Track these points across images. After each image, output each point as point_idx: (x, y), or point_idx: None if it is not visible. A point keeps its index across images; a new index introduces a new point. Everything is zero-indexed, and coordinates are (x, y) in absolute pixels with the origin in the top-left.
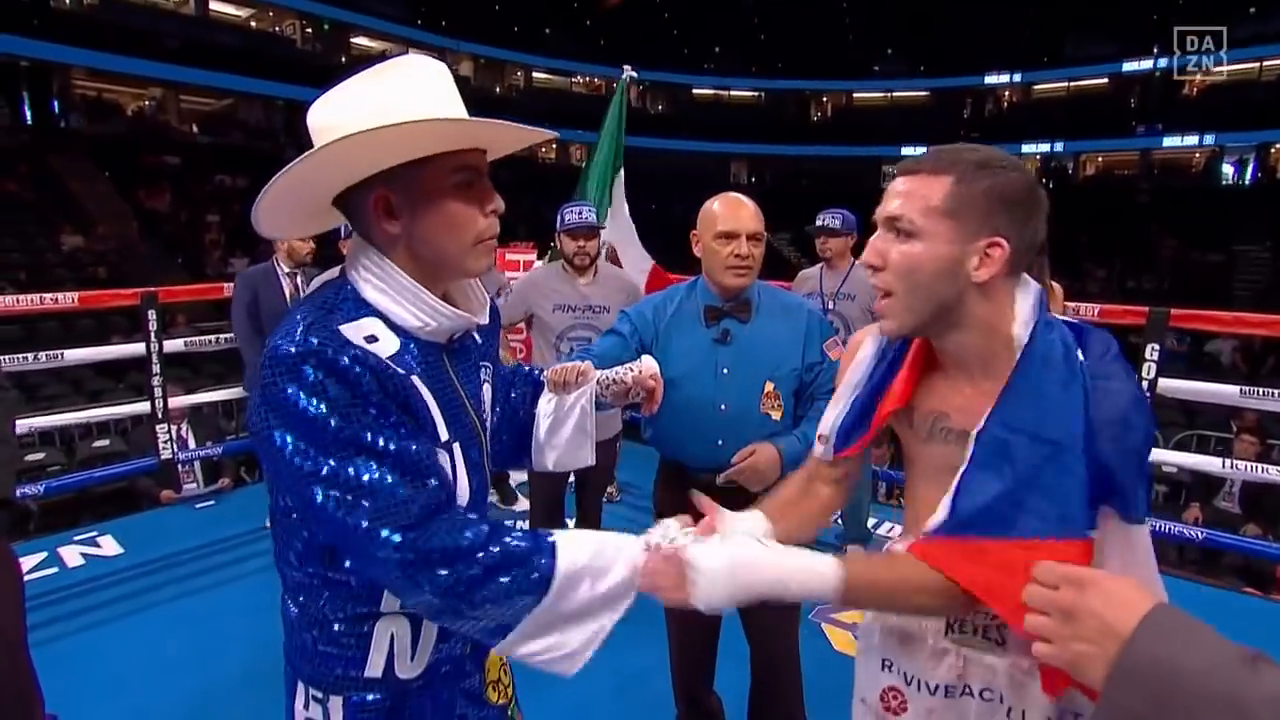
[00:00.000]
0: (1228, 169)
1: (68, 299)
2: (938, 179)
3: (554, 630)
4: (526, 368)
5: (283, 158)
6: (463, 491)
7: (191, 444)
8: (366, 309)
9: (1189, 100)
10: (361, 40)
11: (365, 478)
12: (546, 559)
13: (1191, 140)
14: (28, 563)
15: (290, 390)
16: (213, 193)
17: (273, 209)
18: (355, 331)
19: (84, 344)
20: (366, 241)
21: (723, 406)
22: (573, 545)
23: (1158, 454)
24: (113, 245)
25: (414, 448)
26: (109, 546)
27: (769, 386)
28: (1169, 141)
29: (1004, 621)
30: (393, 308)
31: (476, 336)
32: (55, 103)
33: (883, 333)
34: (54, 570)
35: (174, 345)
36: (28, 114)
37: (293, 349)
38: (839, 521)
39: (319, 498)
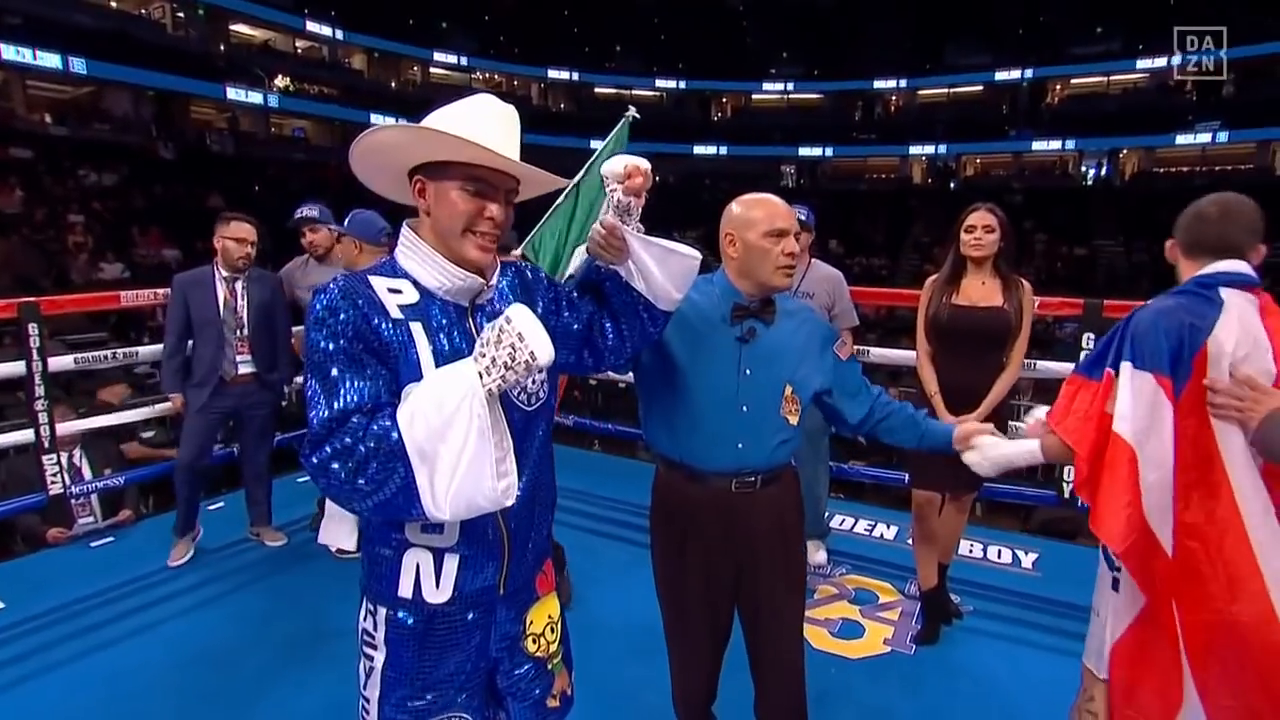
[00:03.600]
0: (1086, 171)
1: None
2: None
3: (437, 451)
4: (571, 283)
5: (157, 153)
6: None
7: (87, 473)
8: (400, 272)
9: (1051, 108)
10: (242, 28)
11: (318, 403)
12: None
13: (1055, 145)
14: None
15: (309, 317)
16: (75, 190)
17: (363, 161)
18: (381, 282)
19: None
20: (410, 222)
21: (744, 408)
22: (408, 403)
23: None
24: None
25: (356, 383)
26: None
27: (788, 390)
28: (1037, 145)
29: None
30: (418, 270)
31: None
32: None
33: None
34: None
35: (61, 363)
36: None
37: (325, 287)
38: None
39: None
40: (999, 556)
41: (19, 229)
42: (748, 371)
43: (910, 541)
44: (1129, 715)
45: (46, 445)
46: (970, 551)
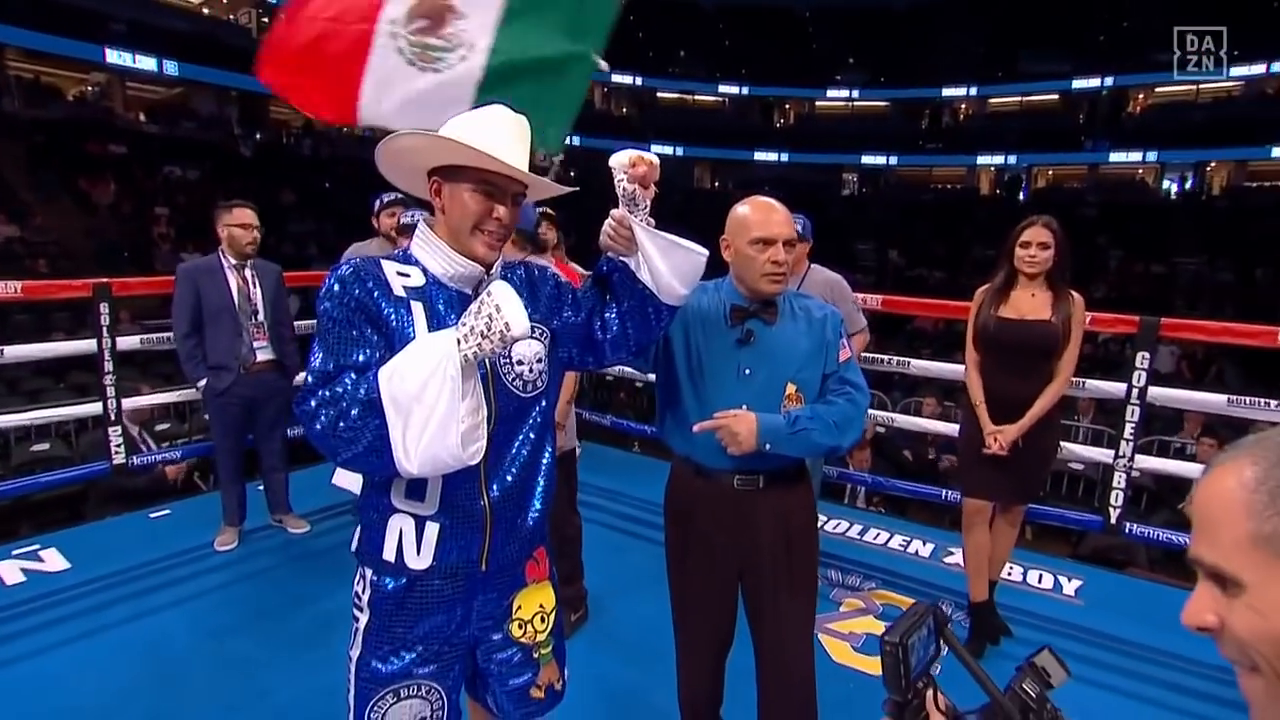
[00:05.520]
0: (1168, 185)
1: (10, 288)
2: None
3: (410, 407)
4: (585, 282)
5: (238, 151)
6: None
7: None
8: (412, 260)
9: (1133, 118)
10: None
11: (317, 359)
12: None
13: (1135, 157)
14: None
15: (322, 290)
16: (162, 184)
17: (387, 161)
18: (392, 266)
19: (22, 340)
20: (429, 219)
21: (744, 407)
22: (391, 361)
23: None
24: (52, 237)
25: (358, 356)
26: (53, 561)
27: (791, 389)
28: (1115, 157)
29: None
30: (427, 259)
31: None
32: None
33: None
34: None
35: (128, 342)
36: None
37: (338, 266)
38: None
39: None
40: (1040, 581)
41: (109, 220)
42: (746, 371)
43: (959, 560)
44: None
45: (113, 418)
46: (1010, 574)
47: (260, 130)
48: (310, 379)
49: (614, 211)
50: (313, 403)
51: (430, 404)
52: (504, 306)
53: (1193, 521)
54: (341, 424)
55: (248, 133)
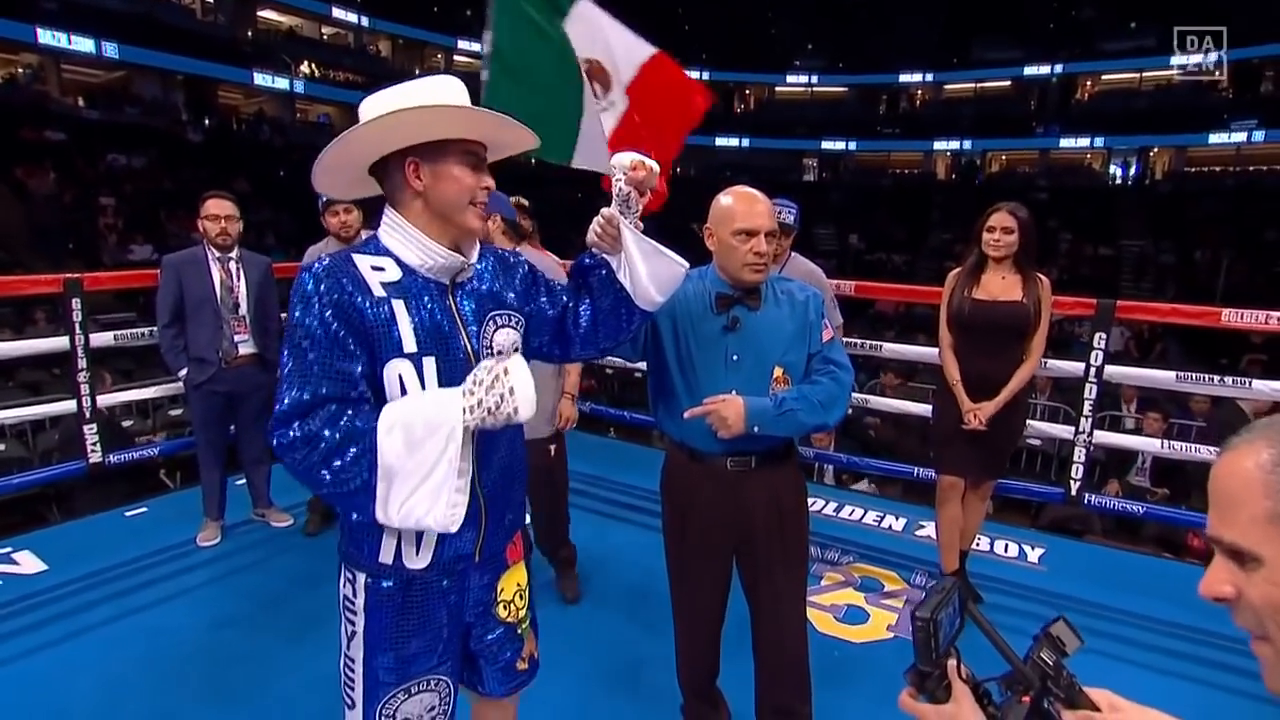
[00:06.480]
0: (1114, 170)
1: None
2: None
3: (403, 468)
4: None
5: (185, 136)
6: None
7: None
8: (384, 250)
9: (1081, 105)
10: (269, 14)
11: (290, 384)
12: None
13: (1084, 142)
14: None
15: (295, 292)
16: (105, 173)
17: (332, 169)
18: (365, 260)
19: None
20: (391, 205)
21: (734, 391)
22: (391, 412)
23: (1101, 436)
24: None
25: (337, 364)
26: (28, 563)
27: (778, 371)
28: (1064, 142)
29: None
30: (401, 249)
31: (492, 288)
32: None
33: None
34: None
35: (102, 339)
36: None
37: (310, 265)
38: None
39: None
40: (1006, 550)
41: (49, 211)
42: (734, 357)
43: (930, 534)
44: None
45: (88, 416)
46: (978, 545)
47: (209, 116)
48: (285, 404)
49: (604, 210)
50: (290, 434)
51: (423, 472)
52: (518, 390)
53: (1210, 502)
54: (325, 470)
55: (196, 118)
